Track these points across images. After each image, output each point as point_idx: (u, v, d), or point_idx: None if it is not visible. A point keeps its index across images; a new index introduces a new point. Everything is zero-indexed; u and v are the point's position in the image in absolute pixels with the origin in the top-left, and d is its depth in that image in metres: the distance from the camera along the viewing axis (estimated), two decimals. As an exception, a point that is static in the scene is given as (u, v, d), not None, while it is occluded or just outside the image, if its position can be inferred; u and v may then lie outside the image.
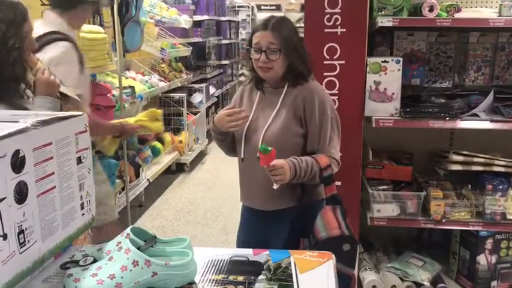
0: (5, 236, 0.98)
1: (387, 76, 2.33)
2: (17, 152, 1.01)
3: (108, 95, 3.36)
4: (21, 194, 1.02)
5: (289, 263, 1.17)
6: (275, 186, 1.84)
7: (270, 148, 1.76)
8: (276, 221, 2.02)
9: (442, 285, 2.52)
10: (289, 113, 1.96)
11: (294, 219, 2.00)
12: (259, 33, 1.94)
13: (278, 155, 1.90)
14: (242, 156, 2.02)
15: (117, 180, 3.62)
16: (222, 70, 8.63)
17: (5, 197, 0.97)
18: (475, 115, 2.35)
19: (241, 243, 2.18)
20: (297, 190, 2.00)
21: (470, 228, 2.45)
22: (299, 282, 1.09)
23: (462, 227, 2.47)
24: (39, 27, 2.25)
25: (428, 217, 2.44)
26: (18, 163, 1.01)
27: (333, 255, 1.20)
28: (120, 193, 3.84)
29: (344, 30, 2.33)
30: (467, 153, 2.47)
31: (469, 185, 2.49)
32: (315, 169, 1.89)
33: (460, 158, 2.47)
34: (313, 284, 1.09)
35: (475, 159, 2.46)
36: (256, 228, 2.10)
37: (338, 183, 2.42)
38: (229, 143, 2.11)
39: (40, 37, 2.23)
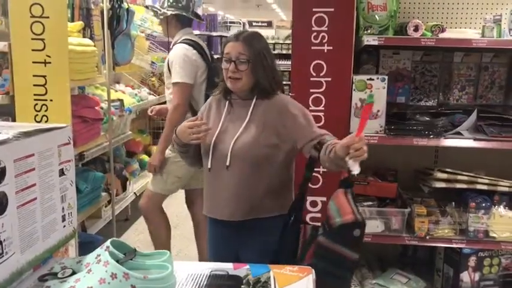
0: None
1: (373, 94, 2.36)
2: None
3: (96, 107, 3.36)
4: (0, 205, 1.02)
5: (269, 278, 1.18)
6: (357, 170, 1.67)
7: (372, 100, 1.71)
8: (246, 232, 2.00)
9: (426, 302, 2.52)
10: (260, 125, 1.97)
11: (265, 230, 1.98)
12: (231, 43, 1.97)
13: (248, 167, 1.93)
14: (209, 166, 2.01)
15: (103, 194, 3.60)
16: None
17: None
18: (459, 133, 2.39)
19: (211, 257, 2.14)
20: (269, 201, 1.99)
21: (454, 245, 2.47)
22: (278, 297, 1.09)
23: (446, 244, 2.49)
24: None
25: (413, 234, 2.46)
26: (3, 173, 1.02)
27: (313, 270, 1.21)
28: (106, 206, 3.81)
29: (331, 48, 2.37)
30: (451, 170, 2.50)
31: (453, 203, 2.52)
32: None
33: (444, 176, 2.49)
34: (291, 299, 1.10)
35: (459, 177, 2.48)
36: (225, 239, 2.08)
37: (323, 198, 2.44)
38: (192, 155, 2.10)
39: None
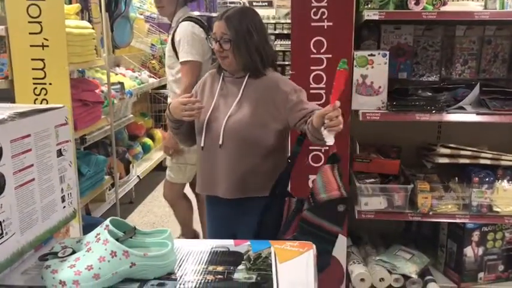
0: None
1: (374, 70, 2.33)
2: (-5, 142, 1.01)
3: (96, 90, 3.35)
4: (5, 183, 1.02)
5: (270, 253, 1.18)
6: (331, 141, 1.66)
7: (346, 66, 1.61)
8: (242, 210, 2.01)
9: (430, 277, 2.53)
10: (252, 104, 1.95)
11: (260, 209, 1.97)
12: (216, 22, 1.98)
13: (240, 146, 1.93)
14: (202, 145, 2.00)
15: (107, 177, 3.61)
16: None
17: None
18: (462, 108, 2.36)
19: (210, 235, 2.16)
20: (261, 180, 1.98)
21: (457, 220, 2.46)
22: (278, 272, 1.09)
23: (449, 219, 2.48)
24: None
25: (416, 210, 2.45)
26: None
27: (313, 245, 1.20)
28: (109, 190, 3.82)
29: (331, 23, 2.33)
30: (454, 146, 2.48)
31: (456, 178, 2.50)
32: None
33: (447, 151, 2.48)
34: (291, 274, 1.09)
35: (462, 152, 2.47)
36: (221, 217, 2.09)
37: (325, 176, 2.43)
38: (184, 131, 2.09)
39: None
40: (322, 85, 2.37)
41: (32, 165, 1.15)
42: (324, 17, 2.33)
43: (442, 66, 2.73)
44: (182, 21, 3.03)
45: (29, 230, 1.14)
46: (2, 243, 1.04)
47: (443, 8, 2.33)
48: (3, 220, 1.05)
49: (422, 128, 2.65)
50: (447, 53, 2.71)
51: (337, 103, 1.63)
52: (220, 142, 1.94)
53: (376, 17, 2.26)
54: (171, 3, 3.10)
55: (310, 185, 2.45)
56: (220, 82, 2.05)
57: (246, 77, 2.00)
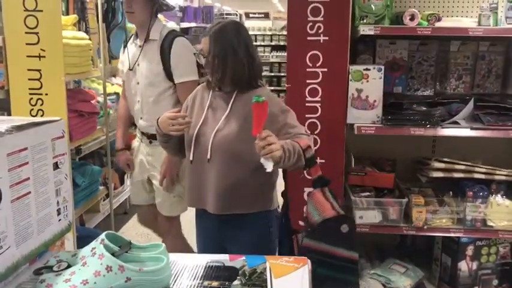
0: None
1: (369, 84, 2.35)
2: (-9, 156, 1.01)
3: (92, 101, 3.35)
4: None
5: (265, 268, 1.18)
6: (269, 169, 1.68)
7: (262, 98, 1.65)
8: (230, 226, 1.99)
9: (424, 291, 2.53)
10: (240, 119, 1.94)
11: (248, 226, 1.97)
12: (203, 39, 1.99)
13: (228, 160, 1.92)
14: (191, 158, 2.00)
15: (101, 187, 3.60)
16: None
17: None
18: (456, 123, 2.38)
19: (199, 250, 2.12)
20: (249, 196, 1.96)
21: (452, 234, 2.47)
22: (273, 287, 1.09)
23: (443, 233, 2.49)
24: None
25: (410, 224, 2.46)
26: (-8, 168, 1.01)
27: (308, 261, 1.21)
28: (104, 200, 3.81)
29: (327, 38, 2.36)
30: (449, 160, 2.50)
31: (451, 192, 2.52)
32: (298, 149, 1.81)
33: (442, 165, 2.49)
34: (287, 289, 1.10)
35: (456, 167, 2.48)
36: (210, 231, 2.07)
37: (321, 190, 2.44)
38: (173, 145, 2.10)
39: None
40: (317, 98, 2.38)
41: (29, 178, 1.15)
42: (320, 31, 2.36)
43: (436, 81, 2.76)
44: (175, 37, 2.76)
45: (24, 244, 1.14)
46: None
47: (438, 24, 2.36)
48: (2, 231, 1.04)
49: (417, 142, 2.67)
50: (442, 67, 2.74)
51: (262, 133, 1.66)
52: (209, 156, 1.93)
53: (372, 32, 2.28)
54: (144, 11, 2.74)
55: (306, 197, 2.46)
56: (209, 96, 2.04)
57: (235, 92, 1.99)
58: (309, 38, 2.35)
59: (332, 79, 2.37)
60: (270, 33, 12.21)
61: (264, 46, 12.31)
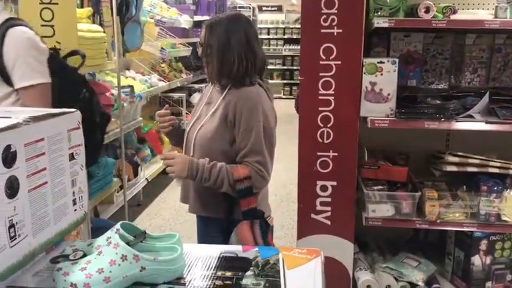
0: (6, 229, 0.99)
1: (383, 77, 2.34)
2: (8, 147, 1.02)
3: (107, 93, 3.38)
4: (12, 188, 1.04)
5: (278, 260, 1.18)
6: (178, 184, 1.90)
7: (147, 128, 1.81)
8: (206, 228, 1.99)
9: (437, 285, 2.52)
10: (221, 117, 1.91)
11: (222, 231, 1.95)
12: (203, 29, 2.01)
13: (207, 157, 1.90)
14: (183, 154, 2.01)
15: (115, 179, 3.63)
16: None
17: (5, 191, 0.99)
18: (471, 116, 2.36)
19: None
20: (223, 202, 1.93)
21: (465, 229, 2.46)
22: (286, 278, 1.10)
23: (457, 227, 2.47)
24: None
25: (423, 218, 2.45)
26: (9, 158, 1.03)
27: (321, 252, 1.21)
28: (118, 192, 3.85)
29: (340, 30, 2.34)
30: (463, 154, 2.48)
31: (464, 186, 2.50)
32: (224, 178, 1.81)
33: (456, 159, 2.47)
34: (299, 280, 1.10)
35: (470, 161, 2.46)
36: (198, 231, 2.10)
37: (333, 183, 2.44)
38: (176, 138, 2.18)
39: None
40: (331, 91, 2.37)
41: (45, 168, 1.16)
42: (333, 24, 2.34)
43: (451, 74, 2.73)
44: (9, 27, 2.00)
45: (41, 233, 1.15)
46: (14, 245, 1.06)
47: (453, 17, 2.33)
48: (17, 222, 1.06)
49: (430, 135, 2.65)
50: (457, 61, 2.71)
51: (161, 156, 1.88)
52: (191, 153, 1.94)
53: (386, 25, 2.26)
54: None
55: (318, 191, 2.46)
56: (210, 91, 2.03)
57: (228, 87, 1.95)
58: (322, 31, 2.34)
59: (345, 72, 2.36)
60: (282, 26, 12.17)
61: (276, 39, 12.28)
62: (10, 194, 1.04)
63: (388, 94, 2.35)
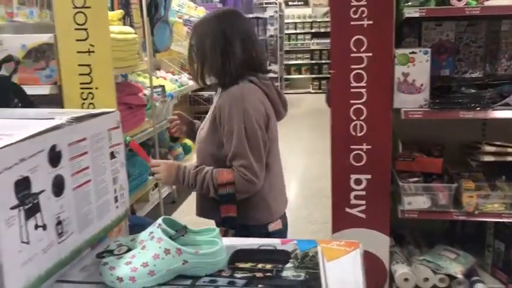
0: (44, 227, 1.04)
1: (415, 67, 2.31)
2: (54, 147, 1.07)
3: (140, 94, 3.44)
4: (58, 187, 1.08)
5: (316, 252, 1.19)
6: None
7: (128, 139, 1.82)
8: None
9: (477, 278, 2.48)
10: (211, 119, 1.88)
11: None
12: None
13: (201, 162, 1.90)
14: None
15: (150, 177, 3.70)
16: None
17: (44, 190, 1.03)
18: (508, 105, 2.31)
19: None
20: (212, 204, 1.88)
21: (504, 220, 2.40)
22: (326, 270, 1.11)
23: (495, 218, 2.42)
24: None
25: (461, 209, 2.41)
26: (55, 157, 1.07)
27: (360, 244, 1.21)
28: (153, 190, 3.92)
29: (371, 22, 2.32)
30: (501, 143, 2.43)
31: (503, 176, 2.45)
32: (209, 183, 1.79)
33: (493, 149, 2.42)
34: (340, 272, 1.11)
35: (509, 150, 2.41)
36: None
37: (367, 176, 2.42)
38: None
39: None
40: (363, 84, 2.36)
41: (88, 167, 1.21)
42: (363, 15, 2.32)
43: (486, 62, 2.67)
44: None
45: (86, 229, 1.20)
46: (62, 241, 1.10)
47: (487, 3, 2.28)
48: (64, 219, 1.11)
49: (466, 125, 2.60)
50: (492, 48, 2.65)
51: (150, 162, 1.95)
52: (196, 157, 2.01)
53: (417, 15, 2.24)
54: None
55: (352, 185, 2.45)
56: (217, 94, 2.01)
57: (220, 90, 1.94)
58: (352, 23, 2.33)
59: (377, 64, 2.34)
60: (310, 20, 12.10)
61: (304, 34, 12.22)
62: (57, 192, 1.08)
63: (421, 85, 2.32)
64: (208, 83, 1.96)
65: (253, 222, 1.91)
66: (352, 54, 2.34)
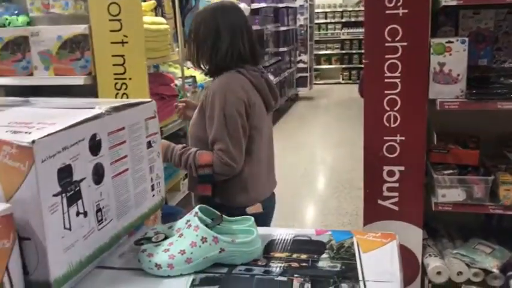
0: (85, 214, 1.06)
1: (452, 57, 2.25)
2: (94, 136, 1.09)
3: (171, 84, 3.47)
4: (98, 175, 1.10)
5: (352, 243, 1.19)
6: None
7: None
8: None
9: (513, 272, 2.42)
10: (200, 105, 2.06)
11: None
12: None
13: (192, 144, 2.09)
14: None
15: (181, 167, 3.74)
16: (279, 57, 8.64)
17: (85, 178, 1.06)
18: (549, 95, 2.23)
19: None
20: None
21: (543, 214, 2.34)
22: (362, 262, 1.10)
23: (534, 212, 2.36)
24: None
25: (497, 202, 2.35)
26: (95, 146, 1.09)
27: (397, 236, 1.20)
28: (183, 180, 3.96)
29: (406, 11, 2.27)
30: (540, 135, 2.35)
31: (543, 169, 2.37)
32: (191, 163, 1.97)
33: (532, 141, 2.35)
34: (376, 263, 1.10)
35: (549, 142, 2.34)
36: None
37: (401, 167, 2.39)
38: None
39: None
40: (397, 74, 2.32)
41: (126, 156, 1.23)
42: (398, 4, 2.28)
43: (526, 51, 2.59)
44: None
45: (124, 217, 1.22)
46: (102, 228, 1.13)
47: (529, -10, 2.21)
48: (103, 207, 1.13)
49: (504, 117, 2.52)
50: (532, 37, 2.56)
51: None
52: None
53: (454, 3, 2.18)
54: None
55: (385, 176, 2.42)
56: None
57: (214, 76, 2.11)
58: (387, 12, 2.28)
59: (412, 53, 2.29)
60: (340, 9, 11.95)
61: (334, 23, 12.09)
62: (97, 180, 1.10)
63: (458, 75, 2.26)
64: (203, 68, 2.13)
65: (230, 204, 2.04)
66: (386, 44, 2.30)
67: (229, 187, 2.04)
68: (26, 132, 0.95)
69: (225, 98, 1.94)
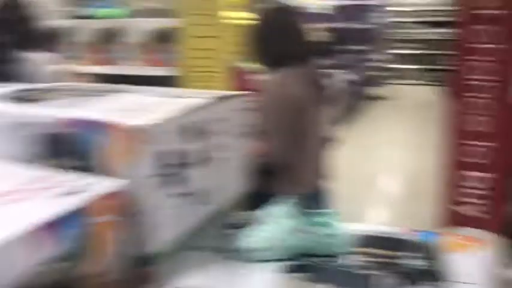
0: (186, 195, 1.15)
1: None
2: (197, 123, 1.17)
3: (254, 79, 3.55)
4: (201, 159, 1.19)
5: (439, 243, 1.19)
6: None
7: None
8: None
9: None
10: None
11: None
12: None
13: None
14: None
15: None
16: (359, 55, 8.52)
17: (189, 161, 1.14)
18: None
19: None
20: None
21: None
22: (448, 262, 1.10)
23: None
24: None
25: None
26: (198, 132, 1.18)
27: (486, 241, 1.19)
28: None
29: (505, 11, 2.19)
30: None
31: None
32: None
33: None
34: (462, 265, 1.09)
35: None
36: None
37: (487, 174, 2.31)
38: None
39: None
40: (492, 77, 2.23)
41: (225, 143, 1.31)
42: (495, 5, 2.20)
43: None
44: None
45: (219, 200, 1.30)
46: (200, 210, 1.21)
47: None
48: (203, 190, 1.21)
49: None
50: None
51: None
52: None
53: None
54: None
55: (467, 182, 2.35)
56: None
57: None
58: (483, 12, 2.21)
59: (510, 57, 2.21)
60: (423, 8, 11.54)
61: (417, 23, 11.69)
62: (199, 164, 1.19)
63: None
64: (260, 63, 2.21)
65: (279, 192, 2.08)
66: (481, 46, 2.23)
67: (281, 177, 2.07)
68: (138, 117, 1.04)
69: (277, 93, 2.05)
